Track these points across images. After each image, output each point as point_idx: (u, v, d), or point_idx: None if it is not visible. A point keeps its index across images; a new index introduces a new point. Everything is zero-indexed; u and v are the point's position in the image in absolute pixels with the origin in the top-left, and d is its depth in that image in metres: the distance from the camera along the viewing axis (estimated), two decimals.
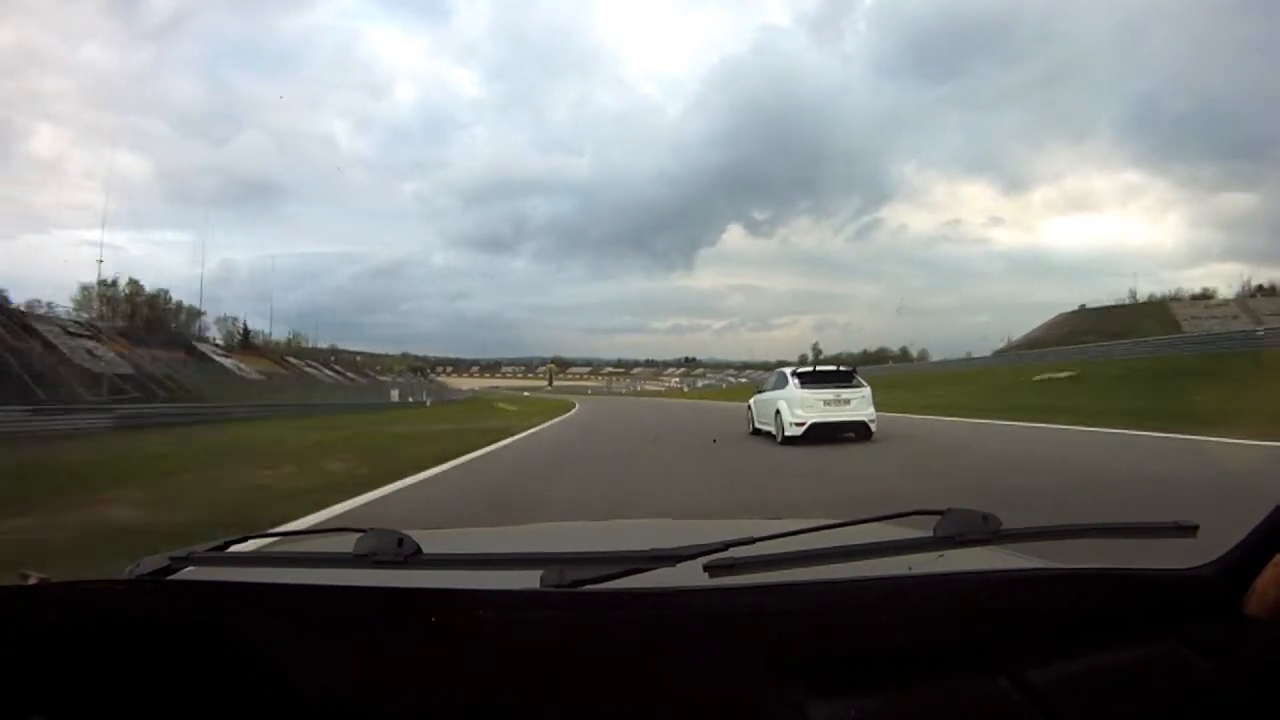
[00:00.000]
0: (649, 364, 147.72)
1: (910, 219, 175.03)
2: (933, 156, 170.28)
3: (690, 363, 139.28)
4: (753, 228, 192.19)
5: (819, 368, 12.92)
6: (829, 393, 11.50)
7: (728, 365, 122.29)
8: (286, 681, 0.77)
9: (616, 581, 0.80)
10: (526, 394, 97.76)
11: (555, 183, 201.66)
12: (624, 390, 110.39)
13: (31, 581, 0.88)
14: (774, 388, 12.83)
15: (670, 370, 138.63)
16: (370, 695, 0.76)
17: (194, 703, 0.76)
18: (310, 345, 67.52)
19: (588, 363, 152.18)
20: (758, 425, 13.44)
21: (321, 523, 5.25)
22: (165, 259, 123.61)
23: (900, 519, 1.06)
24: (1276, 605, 0.75)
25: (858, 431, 11.45)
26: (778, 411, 11.89)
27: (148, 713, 0.76)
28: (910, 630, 0.78)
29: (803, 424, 11.26)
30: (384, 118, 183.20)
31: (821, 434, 11.16)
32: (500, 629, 0.76)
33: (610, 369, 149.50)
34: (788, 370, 12.81)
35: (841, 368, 12.84)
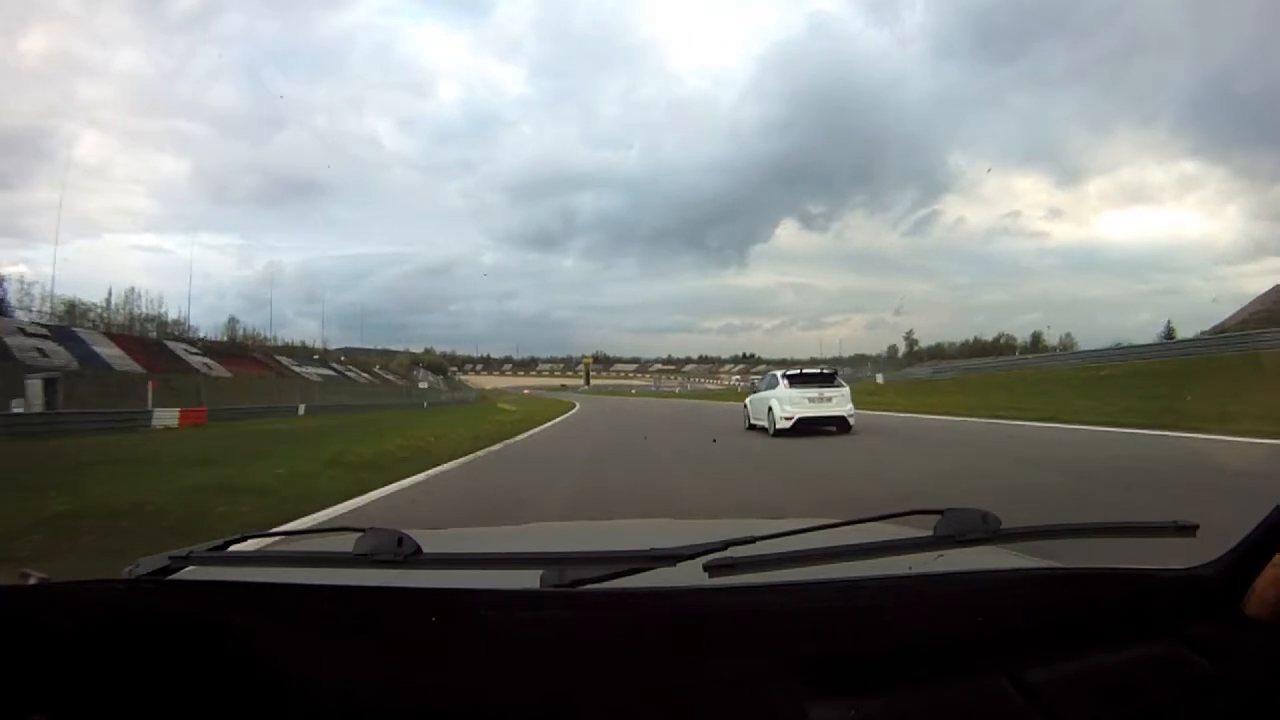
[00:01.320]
0: (703, 360, 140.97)
1: (967, 212, 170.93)
2: (990, 145, 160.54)
3: (749, 359, 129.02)
4: (807, 222, 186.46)
5: (805, 370, 14.31)
6: (813, 391, 13.16)
7: (795, 362, 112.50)
8: (286, 681, 0.77)
9: (616, 581, 0.80)
10: (526, 391, 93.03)
11: (604, 177, 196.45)
12: (676, 389, 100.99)
13: (31, 581, 0.88)
14: (766, 388, 14.44)
15: (728, 367, 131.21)
16: (370, 695, 0.76)
17: (194, 702, 0.75)
18: (313, 344, 67.63)
19: (634, 360, 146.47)
20: (752, 421, 14.78)
21: None
22: (215, 261, 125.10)
23: (900, 518, 1.06)
24: (1276, 605, 0.75)
25: (839, 425, 12.98)
26: (770, 408, 13.40)
27: (148, 713, 0.76)
28: (910, 630, 0.78)
29: (791, 418, 12.82)
30: (428, 117, 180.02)
31: (807, 427, 12.72)
32: (500, 628, 0.76)
33: (660, 365, 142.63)
34: (778, 372, 14.32)
35: (824, 370, 14.58)
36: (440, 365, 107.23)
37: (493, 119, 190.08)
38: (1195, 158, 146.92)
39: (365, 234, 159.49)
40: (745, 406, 15.71)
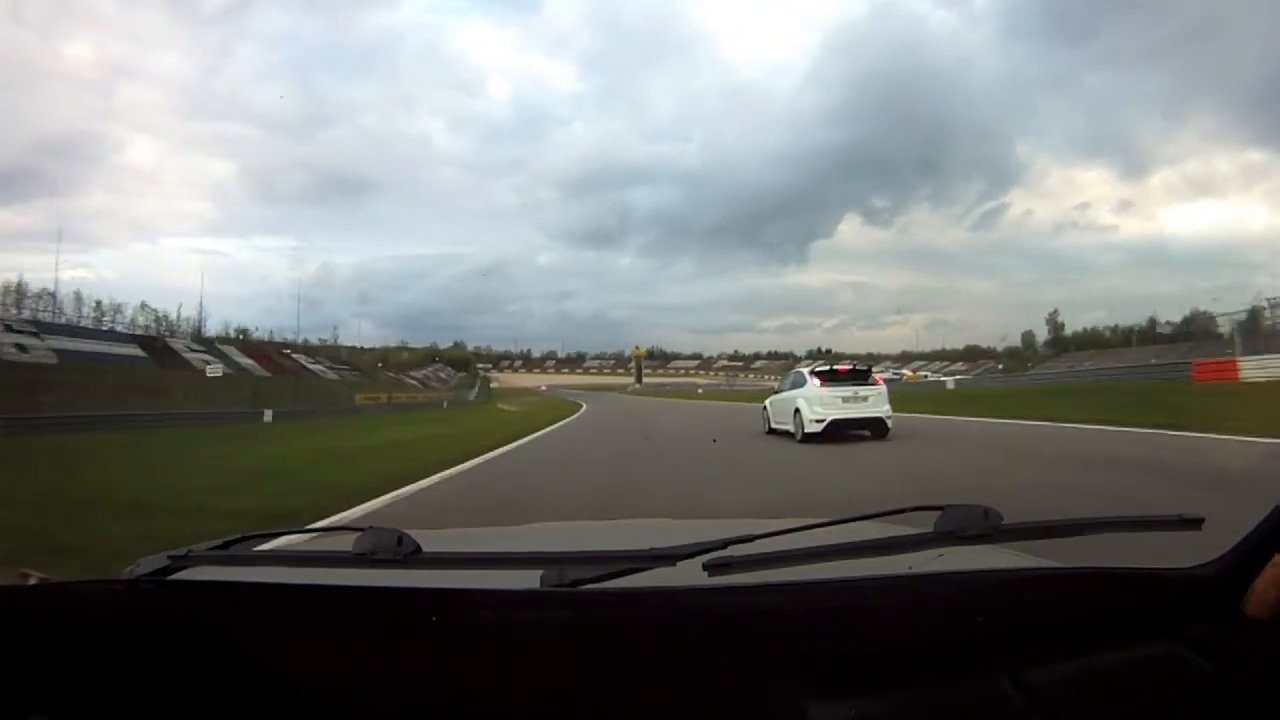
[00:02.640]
0: (772, 356, 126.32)
1: (1032, 205, 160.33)
2: (1056, 135, 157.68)
3: (827, 354, 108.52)
4: (871, 216, 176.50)
5: (836, 365, 12.98)
6: (847, 390, 11.68)
7: (884, 358, 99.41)
8: (285, 681, 0.77)
9: (616, 581, 0.80)
10: (543, 389, 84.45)
11: (661, 172, 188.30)
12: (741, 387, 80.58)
13: (31, 581, 0.89)
14: (792, 387, 12.92)
15: (804, 362, 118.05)
16: (369, 695, 0.76)
17: (193, 702, 0.76)
18: (329, 342, 68.49)
19: (695, 355, 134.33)
20: (774, 425, 13.52)
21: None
22: (268, 263, 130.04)
23: (899, 515, 1.05)
24: (1276, 606, 0.74)
25: (874, 429, 11.55)
26: (797, 410, 12.00)
27: (147, 713, 0.76)
28: (910, 630, 0.78)
29: (822, 420, 11.43)
30: (479, 116, 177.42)
31: (839, 431, 11.35)
32: (500, 628, 0.77)
33: (726, 361, 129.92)
34: (805, 369, 13.02)
35: (858, 366, 12.96)
36: (464, 360, 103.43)
37: (544, 116, 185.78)
38: (1263, 146, 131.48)
39: (419, 235, 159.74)
40: (765, 409, 14.30)
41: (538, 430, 18.97)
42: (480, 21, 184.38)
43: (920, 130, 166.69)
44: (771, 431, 13.55)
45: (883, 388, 12.03)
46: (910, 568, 0.87)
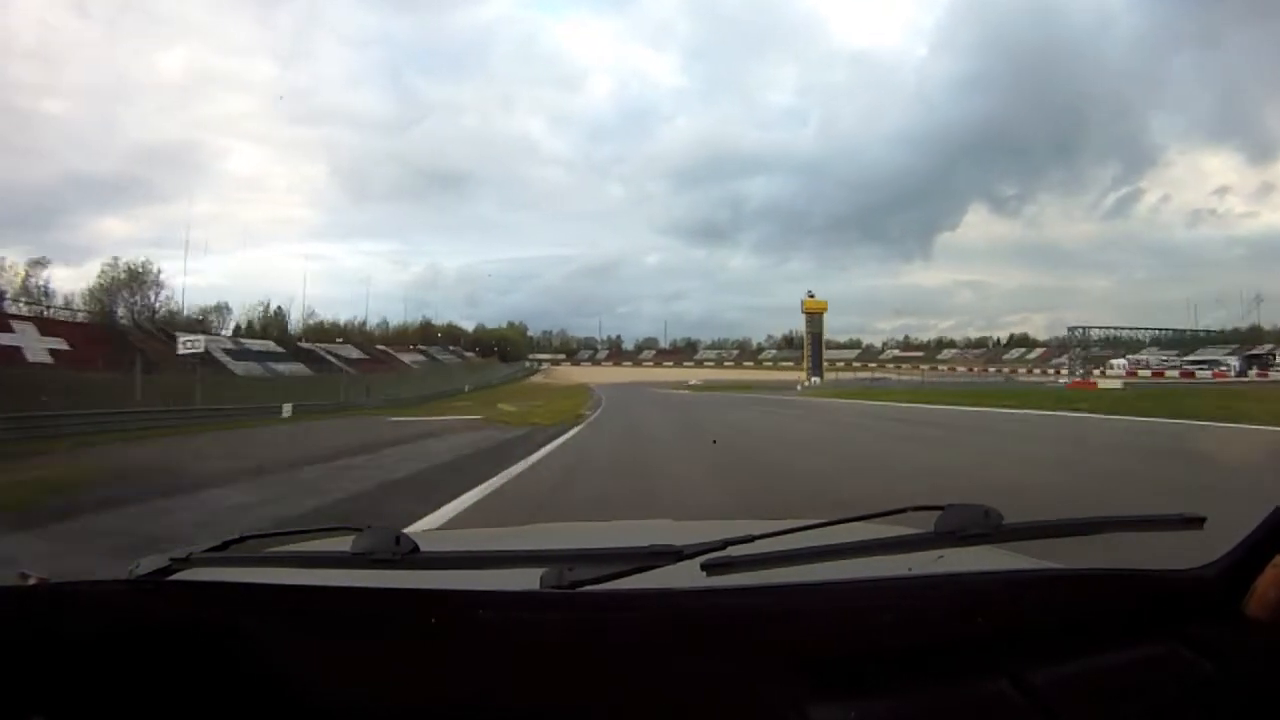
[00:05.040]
0: (980, 343, 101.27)
1: (1170, 190, 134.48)
2: (1200, 107, 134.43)
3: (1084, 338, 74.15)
4: (999, 205, 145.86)
5: None
6: None
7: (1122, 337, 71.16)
8: (285, 682, 0.77)
9: (615, 581, 0.80)
10: (542, 369, 66.71)
11: (775, 159, 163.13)
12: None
13: (31, 582, 0.88)
14: None
15: (1016, 351, 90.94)
16: (368, 695, 0.76)
17: (193, 703, 0.76)
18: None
19: (852, 343, 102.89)
20: None
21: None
22: (373, 266, 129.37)
23: (900, 515, 1.05)
24: (1277, 606, 0.74)
25: None
26: None
27: (147, 713, 0.76)
28: (910, 630, 0.78)
29: None
30: (580, 112, 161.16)
31: None
32: (499, 629, 0.76)
33: (898, 351, 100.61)
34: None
35: None
36: (515, 343, 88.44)
37: (648, 108, 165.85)
38: None
39: (524, 236, 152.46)
40: None
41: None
42: (575, 14, 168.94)
43: (1054, 105, 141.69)
44: None
45: None
46: (910, 568, 0.87)
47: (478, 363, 73.89)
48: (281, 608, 0.84)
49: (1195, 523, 0.87)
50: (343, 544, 0.95)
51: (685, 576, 0.80)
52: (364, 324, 78.38)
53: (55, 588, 0.89)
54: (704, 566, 0.80)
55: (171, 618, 0.83)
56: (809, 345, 71.95)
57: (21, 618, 0.81)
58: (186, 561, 0.98)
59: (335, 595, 0.87)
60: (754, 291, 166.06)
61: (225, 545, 1.09)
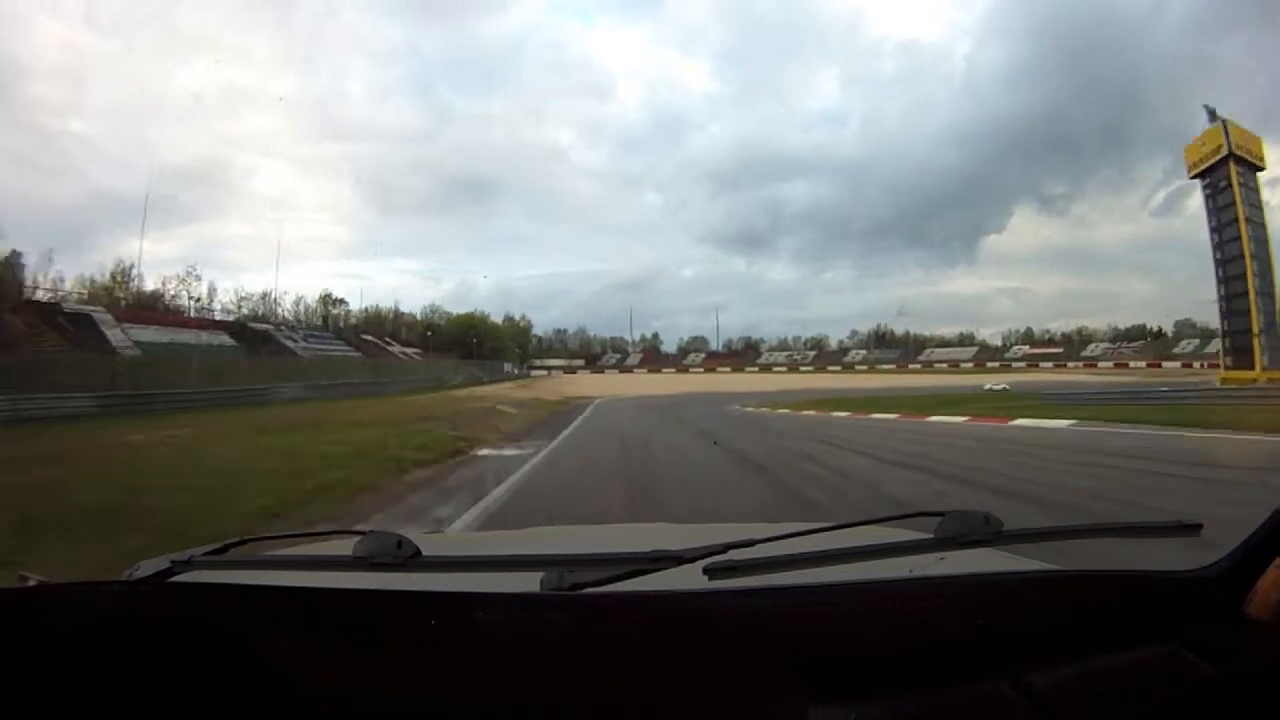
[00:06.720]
0: (1036, 343, 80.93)
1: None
2: (1253, 90, 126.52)
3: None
4: (1047, 204, 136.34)
5: None
6: None
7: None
8: (285, 684, 0.77)
9: (616, 584, 0.80)
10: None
11: (815, 161, 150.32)
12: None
13: (31, 583, 0.88)
14: None
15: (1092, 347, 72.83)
16: (369, 698, 0.76)
17: (193, 705, 0.76)
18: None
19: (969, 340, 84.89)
20: None
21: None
22: (406, 284, 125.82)
23: (901, 521, 1.05)
24: (1277, 607, 0.74)
25: None
26: None
27: (147, 714, 0.76)
28: (911, 633, 0.78)
29: None
30: (611, 121, 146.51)
31: None
32: (500, 631, 0.76)
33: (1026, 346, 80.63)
34: None
35: None
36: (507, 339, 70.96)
37: (680, 116, 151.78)
38: None
39: (557, 250, 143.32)
40: None
41: None
42: (606, 20, 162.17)
43: (1106, 95, 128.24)
44: None
45: None
46: (911, 571, 0.87)
47: (406, 364, 54.72)
48: (282, 610, 0.83)
49: (1191, 530, 0.87)
50: (344, 547, 0.95)
51: (686, 580, 0.80)
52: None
53: (55, 589, 0.88)
54: (705, 570, 0.80)
55: (171, 620, 0.83)
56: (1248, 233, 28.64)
57: (21, 619, 0.81)
58: (187, 564, 0.98)
59: (336, 598, 0.86)
60: (792, 304, 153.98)
61: (225, 548, 1.09)
